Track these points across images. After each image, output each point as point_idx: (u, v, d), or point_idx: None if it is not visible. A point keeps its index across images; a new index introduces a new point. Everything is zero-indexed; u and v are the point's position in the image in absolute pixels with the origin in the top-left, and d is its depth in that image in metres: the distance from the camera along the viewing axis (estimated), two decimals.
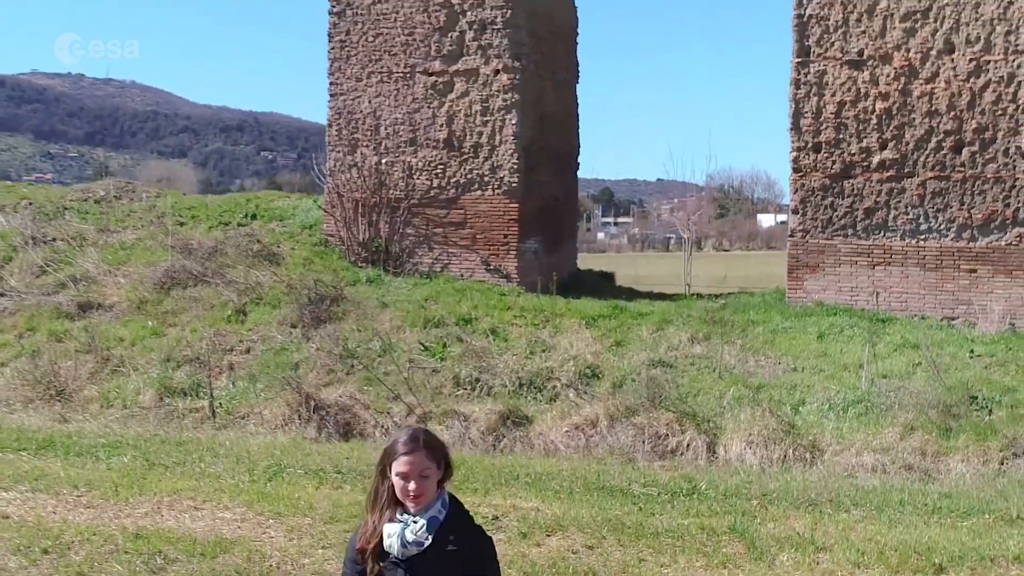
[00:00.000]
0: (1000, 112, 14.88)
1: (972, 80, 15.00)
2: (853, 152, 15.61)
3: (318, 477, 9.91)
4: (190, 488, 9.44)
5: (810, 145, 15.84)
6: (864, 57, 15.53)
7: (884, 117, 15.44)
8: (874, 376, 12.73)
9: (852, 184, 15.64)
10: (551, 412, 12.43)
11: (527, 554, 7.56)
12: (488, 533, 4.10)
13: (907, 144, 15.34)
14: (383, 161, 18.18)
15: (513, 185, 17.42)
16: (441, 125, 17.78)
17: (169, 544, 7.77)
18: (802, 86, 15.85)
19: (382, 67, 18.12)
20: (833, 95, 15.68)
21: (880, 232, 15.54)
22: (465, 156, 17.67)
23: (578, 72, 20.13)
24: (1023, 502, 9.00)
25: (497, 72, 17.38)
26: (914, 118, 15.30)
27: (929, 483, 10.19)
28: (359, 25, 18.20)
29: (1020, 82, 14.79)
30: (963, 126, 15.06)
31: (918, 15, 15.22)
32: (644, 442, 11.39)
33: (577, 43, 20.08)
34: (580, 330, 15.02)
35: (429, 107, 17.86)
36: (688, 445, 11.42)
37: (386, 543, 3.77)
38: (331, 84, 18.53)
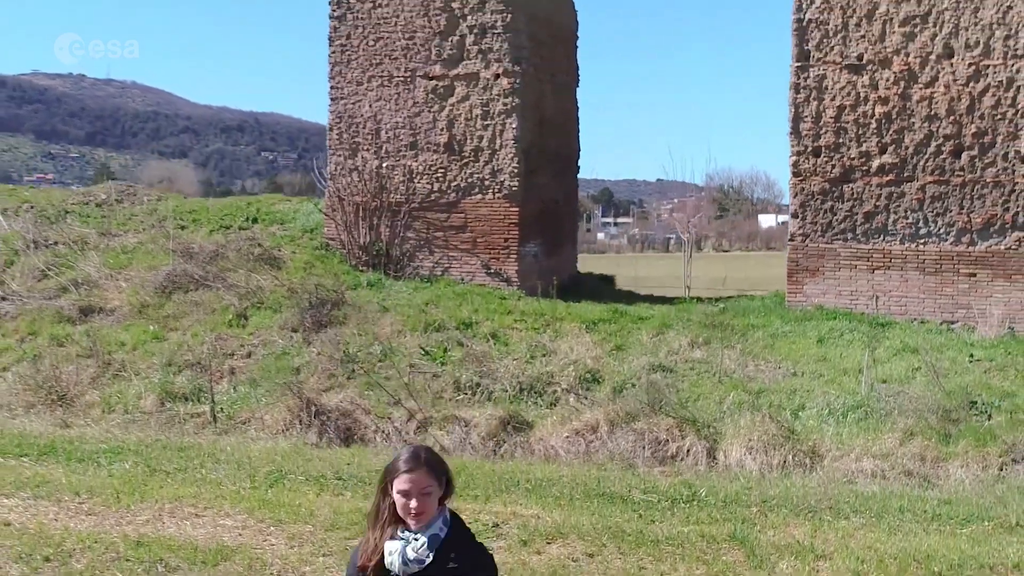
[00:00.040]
0: (999, 116, 14.91)
1: (971, 84, 15.03)
2: (853, 156, 15.64)
3: (319, 484, 9.94)
4: (191, 495, 9.47)
5: (810, 149, 15.87)
6: (864, 61, 15.55)
7: (884, 121, 15.47)
8: (874, 381, 12.75)
9: (852, 188, 15.67)
10: (551, 417, 12.45)
11: (527, 562, 7.59)
12: (489, 545, 4.12)
13: (907, 148, 15.37)
14: (384, 165, 18.21)
15: (513, 189, 17.46)
16: (441, 129, 17.81)
17: (170, 552, 7.80)
18: (802, 90, 15.88)
19: (383, 71, 18.15)
20: (833, 99, 15.71)
21: (880, 236, 15.57)
22: (465, 160, 17.70)
23: (578, 75, 20.16)
24: (1022, 509, 9.02)
25: (497, 76, 17.42)
26: (913, 122, 15.33)
27: (928, 489, 10.22)
28: (360, 29, 18.23)
29: (1019, 87, 14.82)
30: (962, 130, 15.09)
31: (917, 20, 15.24)
32: (644, 448, 11.41)
33: (577, 46, 20.13)
34: (580, 334, 15.05)
35: (429, 111, 17.88)
36: (688, 451, 11.44)
37: (387, 560, 3.80)
38: (332, 88, 18.56)
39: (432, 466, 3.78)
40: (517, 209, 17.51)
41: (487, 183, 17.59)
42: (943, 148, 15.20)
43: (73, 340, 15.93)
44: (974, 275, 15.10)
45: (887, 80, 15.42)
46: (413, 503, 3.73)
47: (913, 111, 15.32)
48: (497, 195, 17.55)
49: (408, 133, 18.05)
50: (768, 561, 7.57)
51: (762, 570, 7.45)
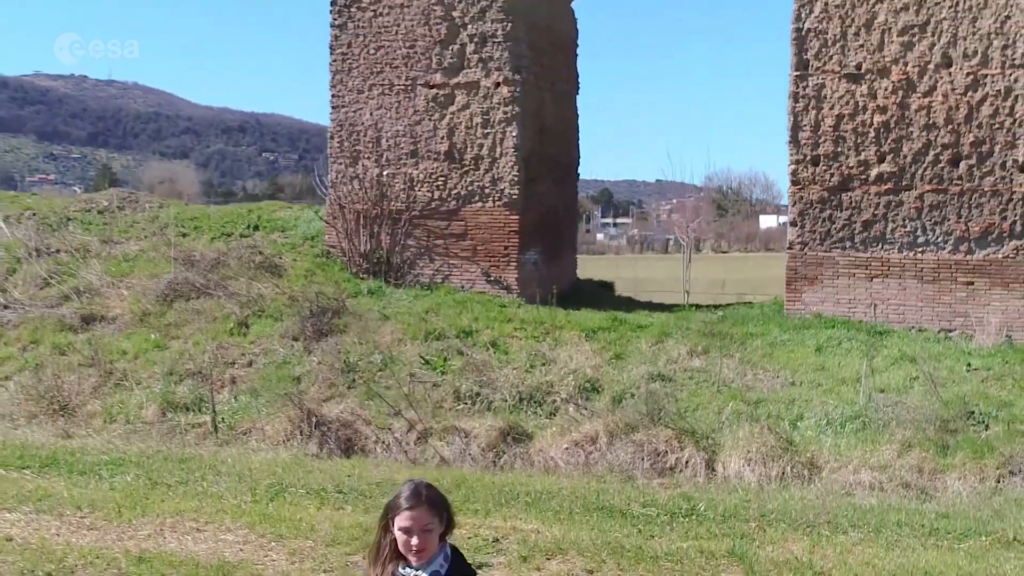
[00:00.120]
0: (997, 126, 14.96)
1: (969, 94, 15.09)
2: (851, 165, 15.70)
3: (319, 497, 9.98)
4: (192, 509, 9.52)
5: (808, 158, 15.93)
6: (862, 71, 15.61)
7: (882, 130, 15.53)
8: (871, 391, 12.81)
9: (850, 197, 15.73)
10: (551, 428, 12.51)
11: None
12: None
13: (905, 157, 15.43)
14: (384, 173, 18.27)
15: (513, 197, 17.51)
16: (442, 137, 17.87)
17: (172, 568, 7.85)
18: (801, 99, 15.93)
19: (383, 79, 18.21)
20: (831, 108, 15.77)
21: (878, 244, 15.63)
22: (466, 168, 17.76)
23: (578, 83, 20.22)
24: (1019, 523, 9.07)
25: (498, 85, 17.47)
26: (912, 131, 15.38)
27: (926, 502, 10.28)
28: (361, 38, 18.28)
29: (1017, 96, 14.87)
30: (960, 139, 15.14)
31: (916, 29, 15.30)
32: (643, 459, 11.47)
33: (577, 54, 20.19)
34: (580, 343, 15.11)
35: (430, 119, 17.94)
36: (687, 462, 11.50)
37: None
38: (333, 96, 18.62)
39: (433, 503, 3.83)
40: (517, 217, 17.57)
41: (487, 191, 17.65)
42: (941, 157, 15.26)
43: (75, 349, 15.99)
44: (972, 283, 15.16)
45: (885, 89, 15.48)
46: (414, 540, 3.78)
47: (911, 120, 15.38)
48: (497, 203, 17.61)
49: (409, 141, 18.11)
50: None
51: None
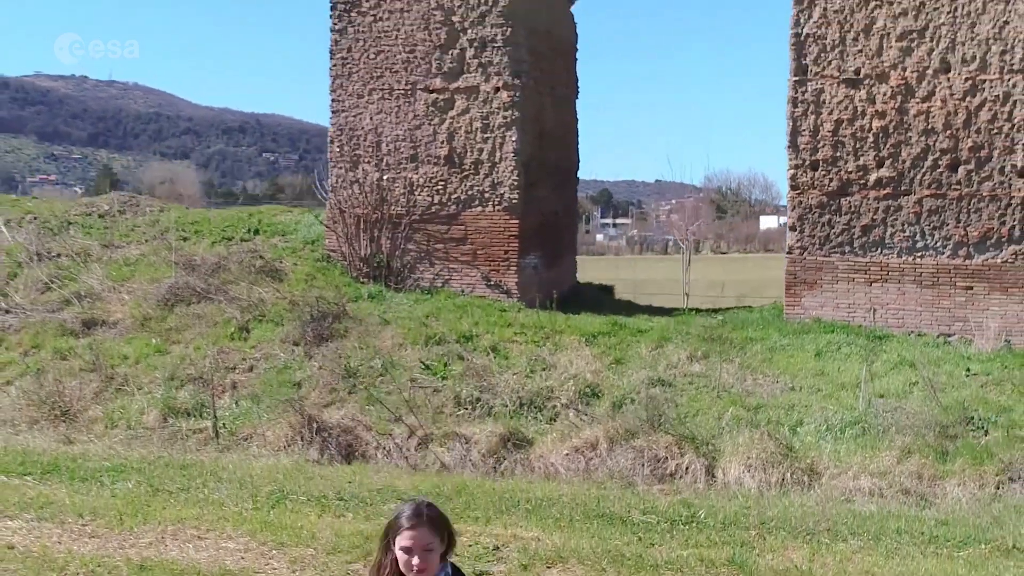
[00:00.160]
0: (996, 131, 15.00)
1: (968, 99, 15.12)
2: (850, 170, 15.73)
3: (320, 504, 10.02)
4: (194, 516, 9.55)
5: (808, 163, 15.96)
6: (861, 76, 15.64)
7: (881, 135, 15.56)
8: (871, 396, 12.83)
9: (849, 202, 15.76)
10: (551, 434, 12.54)
11: None
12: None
13: (904, 162, 15.46)
14: (384, 177, 18.31)
15: (513, 201, 17.55)
16: (442, 142, 17.91)
17: None
18: (800, 104, 15.97)
19: (383, 84, 18.25)
20: (830, 113, 15.80)
21: (877, 249, 15.66)
22: (466, 172, 17.80)
23: (577, 88, 20.27)
24: (1019, 531, 9.10)
25: (497, 89, 17.51)
26: (911, 136, 15.42)
27: (926, 508, 10.30)
28: (360, 43, 18.32)
29: (1016, 101, 14.91)
30: (959, 144, 15.18)
31: (914, 34, 15.33)
32: (643, 465, 11.50)
33: (576, 59, 20.23)
34: (580, 347, 15.14)
35: (430, 124, 17.98)
36: (687, 468, 11.53)
37: None
38: (333, 101, 18.66)
39: (434, 522, 3.85)
40: (517, 221, 17.61)
41: (487, 196, 17.69)
42: (940, 162, 15.30)
43: (76, 354, 16.02)
44: (971, 288, 15.20)
45: (884, 94, 15.51)
46: (415, 560, 3.80)
47: (910, 125, 15.41)
48: (497, 207, 17.65)
49: (409, 146, 18.15)
50: None
51: None
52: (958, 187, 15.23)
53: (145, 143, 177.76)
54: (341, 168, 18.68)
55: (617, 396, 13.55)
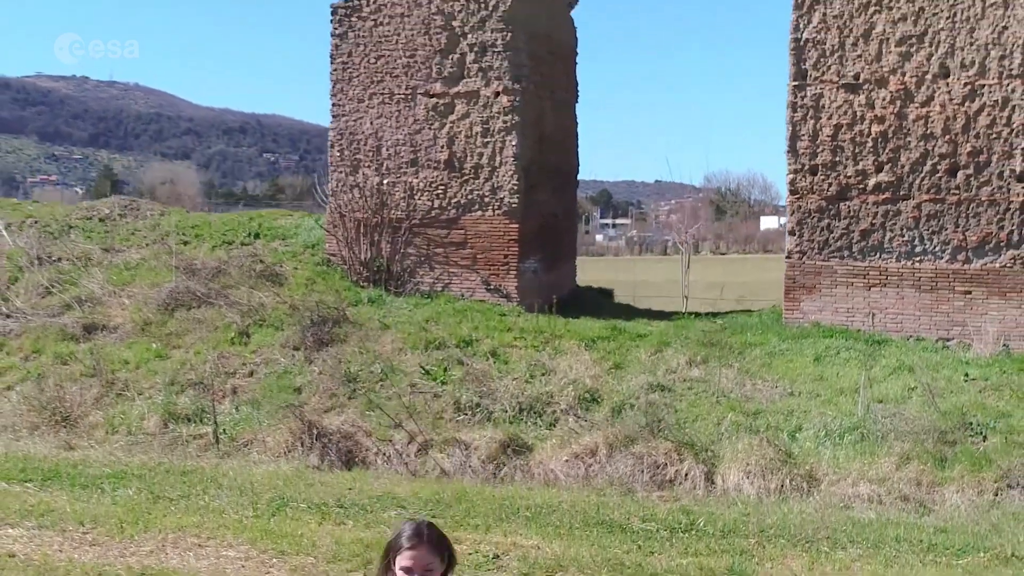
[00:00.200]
0: (995, 136, 15.03)
1: (967, 104, 15.15)
2: (849, 175, 15.76)
3: (321, 512, 10.04)
4: (194, 524, 9.57)
5: (807, 167, 15.99)
6: (860, 81, 15.67)
7: (880, 140, 15.59)
8: (870, 401, 12.85)
9: (848, 206, 15.79)
10: (551, 440, 12.56)
11: None
12: None
13: (903, 167, 15.49)
14: (385, 182, 18.34)
15: (513, 205, 17.58)
16: (442, 146, 17.94)
17: None
18: (799, 109, 15.99)
19: (384, 89, 18.27)
20: (830, 118, 15.82)
21: (876, 254, 15.69)
22: (466, 177, 17.82)
23: (577, 91, 20.29)
24: (1017, 539, 9.12)
25: (497, 94, 17.54)
26: (910, 141, 15.44)
27: (924, 515, 10.33)
28: (361, 47, 18.35)
29: (1014, 106, 14.93)
30: (958, 149, 15.21)
31: (913, 39, 15.35)
32: (643, 472, 11.52)
33: (576, 63, 20.25)
34: (579, 352, 15.16)
35: (430, 128, 18.01)
36: (687, 475, 11.55)
37: None
38: (333, 105, 18.68)
39: (434, 543, 3.86)
40: (517, 225, 17.64)
41: (487, 200, 17.71)
42: (939, 167, 15.32)
43: (77, 358, 16.04)
44: (969, 293, 15.22)
45: (883, 99, 15.54)
46: None
47: (909, 130, 15.44)
48: (497, 212, 17.68)
49: (409, 150, 18.18)
50: None
51: None
52: (957, 192, 15.25)
53: (146, 143, 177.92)
54: (341, 172, 18.71)
55: (616, 401, 13.58)
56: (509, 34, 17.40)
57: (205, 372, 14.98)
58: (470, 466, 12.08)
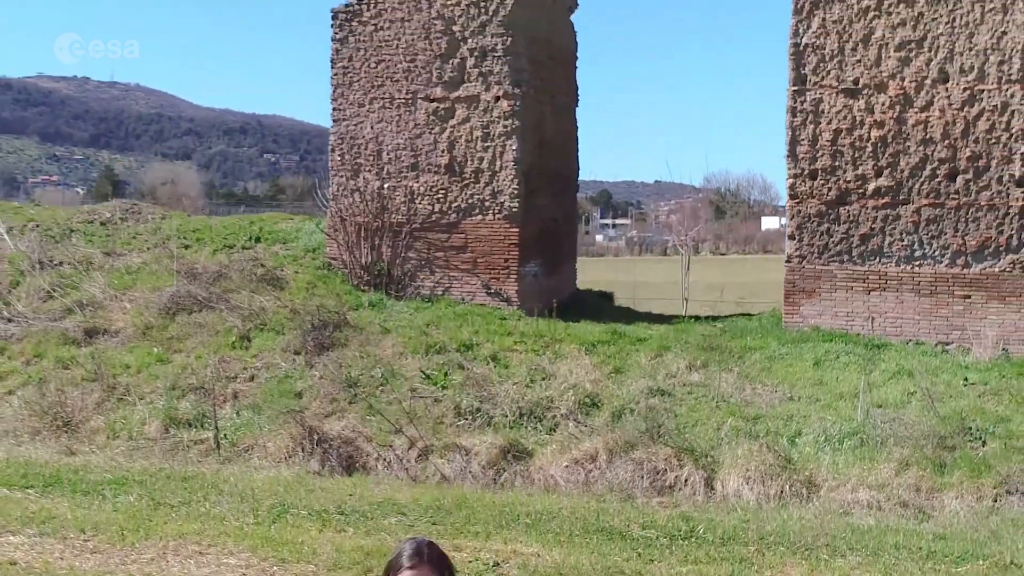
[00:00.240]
0: (994, 140, 15.05)
1: (966, 109, 15.17)
2: (849, 179, 15.79)
3: (321, 519, 10.06)
4: (195, 531, 9.59)
5: (806, 172, 16.02)
6: (860, 86, 15.70)
7: (879, 145, 15.62)
8: (869, 406, 12.88)
9: (848, 211, 15.82)
10: (551, 445, 12.58)
11: None
12: None
13: (902, 171, 15.52)
14: (385, 186, 18.37)
15: (513, 210, 17.61)
16: (442, 151, 17.97)
17: None
18: (799, 114, 16.02)
19: (384, 93, 18.31)
20: (829, 123, 15.85)
21: (876, 258, 15.72)
22: (466, 181, 17.86)
23: (577, 96, 20.32)
24: (1016, 546, 9.14)
25: (498, 99, 17.57)
26: (909, 146, 15.47)
27: (924, 522, 10.34)
28: (361, 52, 18.39)
29: (1014, 111, 14.96)
30: (957, 154, 15.23)
31: (912, 45, 15.38)
32: (643, 477, 11.55)
33: (576, 67, 20.29)
34: (579, 356, 15.19)
35: (431, 133, 18.04)
36: (686, 480, 11.58)
37: None
38: (334, 110, 18.73)
39: (435, 562, 3.86)
40: (517, 230, 17.67)
41: (487, 204, 17.75)
42: (938, 171, 15.35)
43: (78, 363, 16.07)
44: (969, 297, 15.25)
45: (883, 104, 15.57)
46: None
47: (908, 135, 15.47)
48: (497, 216, 17.71)
49: (409, 154, 18.22)
50: None
51: None
52: (956, 196, 15.28)
53: (147, 144, 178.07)
54: (342, 176, 18.75)
55: (616, 406, 13.61)
56: (509, 39, 17.44)
57: (206, 376, 15.02)
58: (470, 472, 12.11)
